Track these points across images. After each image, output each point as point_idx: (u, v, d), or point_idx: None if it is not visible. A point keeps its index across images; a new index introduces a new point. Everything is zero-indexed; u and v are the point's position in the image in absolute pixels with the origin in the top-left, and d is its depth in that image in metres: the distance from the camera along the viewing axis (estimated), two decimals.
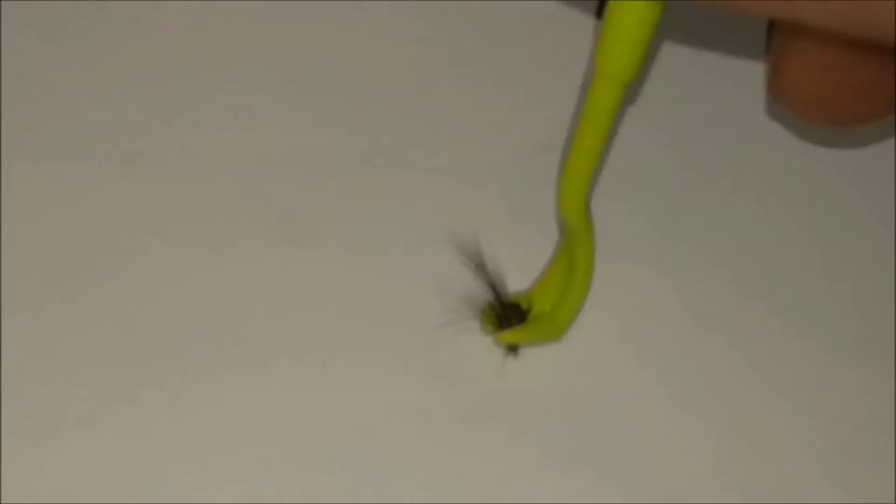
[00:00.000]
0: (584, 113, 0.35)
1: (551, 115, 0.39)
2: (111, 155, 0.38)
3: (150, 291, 0.37)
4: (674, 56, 0.41)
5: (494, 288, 0.37)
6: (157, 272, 0.37)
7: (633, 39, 0.33)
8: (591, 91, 0.34)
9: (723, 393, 0.37)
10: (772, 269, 0.39)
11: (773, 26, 0.36)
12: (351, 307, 0.37)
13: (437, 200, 0.38)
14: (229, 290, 0.37)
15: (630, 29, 0.33)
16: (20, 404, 0.35)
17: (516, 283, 0.37)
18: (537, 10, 0.41)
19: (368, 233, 0.38)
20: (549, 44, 0.40)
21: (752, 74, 0.40)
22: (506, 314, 0.36)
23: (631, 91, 0.39)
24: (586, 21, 0.41)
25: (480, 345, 0.37)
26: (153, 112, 0.39)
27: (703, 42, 0.41)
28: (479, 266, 0.37)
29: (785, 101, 0.35)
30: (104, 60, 0.39)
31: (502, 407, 0.36)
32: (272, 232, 0.38)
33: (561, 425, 0.36)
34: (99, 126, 0.39)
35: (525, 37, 0.41)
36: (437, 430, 0.36)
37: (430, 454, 0.36)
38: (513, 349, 0.37)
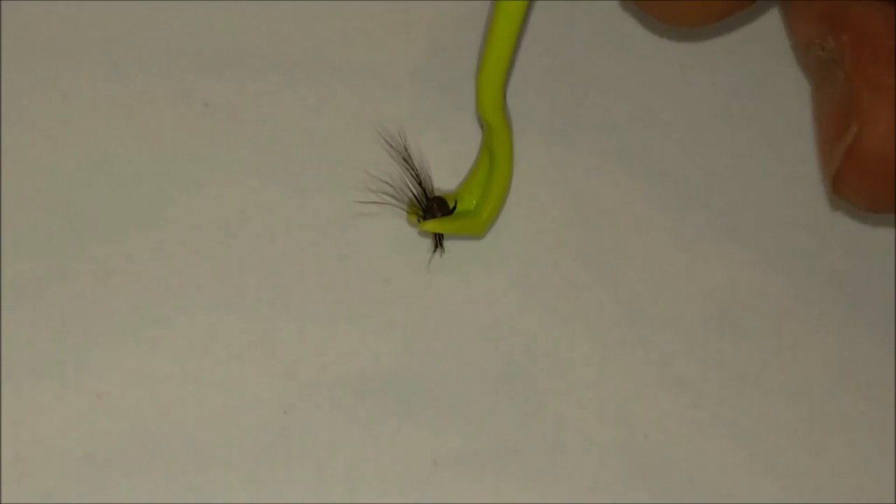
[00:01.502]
0: (493, 20, 0.36)
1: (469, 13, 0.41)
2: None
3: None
4: None
5: (420, 181, 0.39)
6: None
7: None
8: None
9: (637, 286, 0.39)
10: (691, 162, 0.41)
11: None
12: (284, 196, 0.39)
13: (364, 98, 0.40)
14: (162, 180, 0.39)
15: None
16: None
17: (443, 182, 0.39)
18: None
19: (297, 127, 0.40)
20: None
21: None
22: (430, 206, 0.38)
23: None
24: None
25: (405, 233, 0.39)
26: None
27: None
28: (406, 160, 0.39)
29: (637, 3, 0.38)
30: None
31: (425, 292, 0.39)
32: (201, 125, 0.40)
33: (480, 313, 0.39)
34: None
35: None
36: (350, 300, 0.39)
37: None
38: (440, 245, 0.39)
